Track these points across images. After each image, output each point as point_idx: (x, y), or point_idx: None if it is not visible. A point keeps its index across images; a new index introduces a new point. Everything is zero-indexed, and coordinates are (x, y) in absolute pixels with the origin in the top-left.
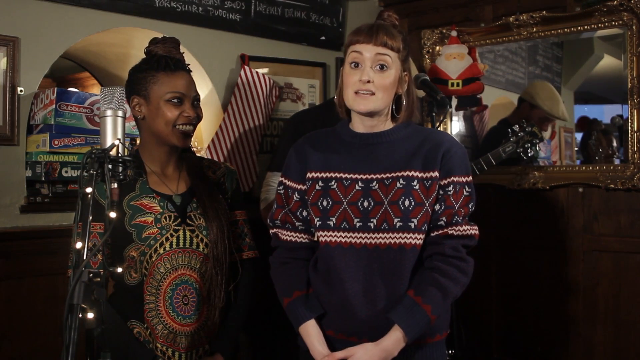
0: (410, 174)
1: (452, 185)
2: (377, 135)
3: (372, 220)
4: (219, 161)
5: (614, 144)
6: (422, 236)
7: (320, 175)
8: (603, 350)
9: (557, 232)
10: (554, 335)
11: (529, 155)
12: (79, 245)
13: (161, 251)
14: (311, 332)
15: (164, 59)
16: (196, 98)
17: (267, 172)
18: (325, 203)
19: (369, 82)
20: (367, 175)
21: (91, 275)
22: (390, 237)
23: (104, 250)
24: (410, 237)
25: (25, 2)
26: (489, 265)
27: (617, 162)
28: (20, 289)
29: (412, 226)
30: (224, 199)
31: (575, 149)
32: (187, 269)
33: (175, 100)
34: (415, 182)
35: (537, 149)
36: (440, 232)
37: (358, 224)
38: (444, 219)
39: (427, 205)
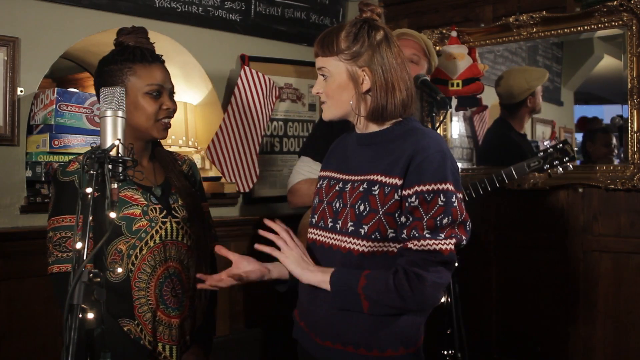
0: (373, 178)
1: (416, 196)
2: (369, 137)
3: (338, 221)
4: (180, 154)
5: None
6: (372, 244)
7: (321, 174)
8: (603, 350)
9: (557, 232)
10: (554, 335)
11: (559, 172)
12: (79, 245)
13: (152, 244)
14: None
15: (139, 50)
16: (172, 90)
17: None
18: (316, 200)
19: (318, 93)
20: (346, 177)
21: (91, 275)
22: (342, 240)
23: (103, 249)
24: (358, 244)
25: (25, 2)
26: (489, 265)
27: (617, 162)
28: (20, 289)
29: (362, 232)
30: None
31: (575, 149)
32: (174, 261)
33: (154, 93)
34: (376, 187)
35: (567, 166)
36: (402, 244)
37: (330, 224)
38: (405, 232)
39: (380, 212)
